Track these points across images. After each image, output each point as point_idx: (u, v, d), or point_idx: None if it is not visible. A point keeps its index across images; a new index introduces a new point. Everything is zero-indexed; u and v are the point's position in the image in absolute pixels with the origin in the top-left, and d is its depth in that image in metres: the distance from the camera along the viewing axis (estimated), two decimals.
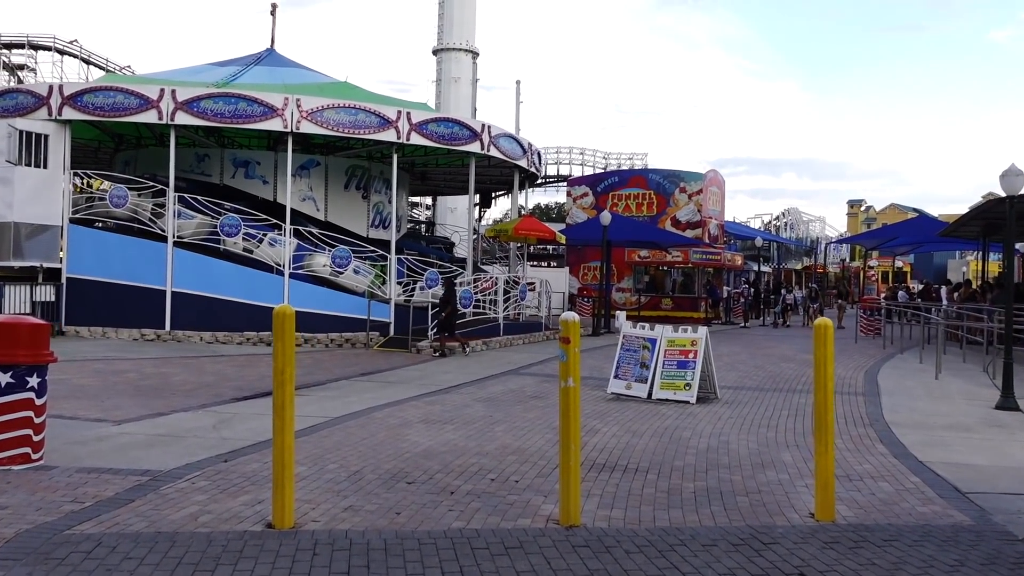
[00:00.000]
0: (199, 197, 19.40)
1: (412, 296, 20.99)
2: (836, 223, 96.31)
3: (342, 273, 20.01)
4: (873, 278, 59.24)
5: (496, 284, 21.65)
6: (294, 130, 18.76)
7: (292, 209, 21.87)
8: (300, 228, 20.01)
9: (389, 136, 19.53)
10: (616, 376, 13.01)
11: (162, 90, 18.38)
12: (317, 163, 22.98)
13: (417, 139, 19.90)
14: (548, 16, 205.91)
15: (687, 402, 12.24)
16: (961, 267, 61.24)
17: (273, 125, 18.70)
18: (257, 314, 18.89)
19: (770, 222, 65.29)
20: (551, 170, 65.06)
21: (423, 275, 20.58)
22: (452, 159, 24.61)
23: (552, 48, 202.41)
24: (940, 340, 16.13)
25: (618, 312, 23.38)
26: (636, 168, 38.90)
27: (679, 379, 12.64)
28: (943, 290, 26.82)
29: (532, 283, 23.76)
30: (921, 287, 37.36)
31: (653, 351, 12.88)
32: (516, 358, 17.89)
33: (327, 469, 7.37)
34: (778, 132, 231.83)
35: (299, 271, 19.45)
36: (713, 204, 34.07)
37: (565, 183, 45.38)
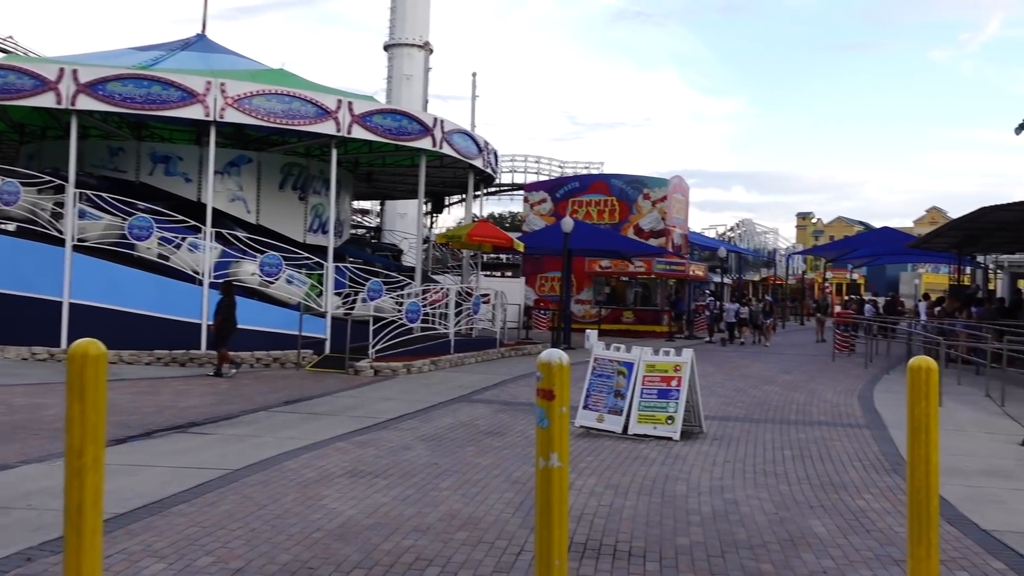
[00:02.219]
0: (107, 195, 16.95)
1: (353, 309, 18.80)
2: (786, 235, 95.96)
3: (273, 283, 17.72)
4: (827, 289, 58.48)
5: (447, 296, 19.53)
6: (218, 119, 16.45)
7: (220, 211, 19.56)
8: (226, 232, 17.68)
9: (328, 128, 17.32)
10: (586, 406, 11.03)
11: (61, 70, 15.92)
12: (248, 160, 20.63)
13: (360, 132, 17.72)
14: (501, 27, 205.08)
15: (670, 438, 10.32)
16: (913, 280, 60.92)
17: (193, 113, 16.37)
18: (172, 329, 16.56)
19: (724, 233, 64.31)
20: (505, 179, 63.23)
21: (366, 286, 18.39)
22: (400, 157, 22.46)
23: (506, 59, 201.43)
24: (941, 363, 14.43)
25: (588, 331, 21.40)
26: (596, 173, 37.19)
27: (660, 411, 10.71)
28: (922, 304, 25.42)
29: (486, 295, 21.68)
30: (887, 300, 36.23)
31: (630, 377, 10.93)
32: (468, 380, 15.81)
33: (196, 567, 5.19)
34: (728, 146, 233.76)
35: (221, 280, 17.11)
36: (677, 212, 32.38)
37: (520, 191, 43.52)
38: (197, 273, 16.83)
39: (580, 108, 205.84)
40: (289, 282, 18.02)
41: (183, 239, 17.22)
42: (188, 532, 5.91)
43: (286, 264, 17.78)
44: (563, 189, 32.51)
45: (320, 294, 18.05)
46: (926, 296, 27.23)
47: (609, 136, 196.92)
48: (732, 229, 66.14)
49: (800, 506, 7.25)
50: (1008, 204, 18.78)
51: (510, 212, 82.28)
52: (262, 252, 17.55)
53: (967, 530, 6.65)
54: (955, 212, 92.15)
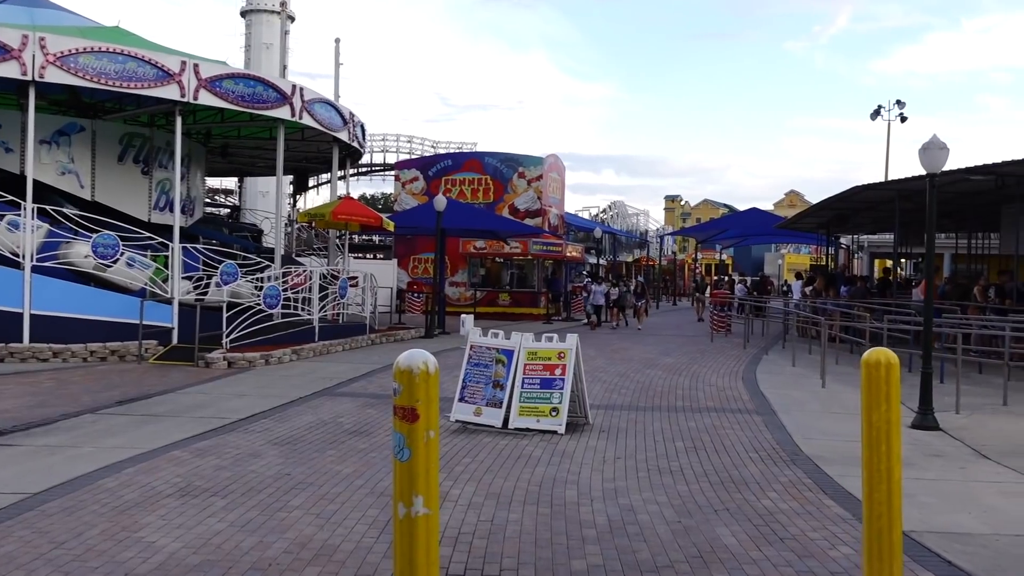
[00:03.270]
0: None
1: (206, 294, 17.10)
2: (655, 217, 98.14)
3: (110, 266, 15.78)
4: (698, 271, 59.85)
5: (311, 279, 18.03)
6: (36, 78, 14.34)
7: (48, 186, 17.45)
8: (51, 208, 15.60)
9: (170, 93, 15.46)
10: (462, 399, 10.03)
11: None
12: (80, 128, 18.38)
13: (208, 99, 15.95)
14: (369, 4, 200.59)
15: (555, 432, 9.45)
16: (777, 260, 63.18)
17: (6, 71, 14.19)
18: None
19: (597, 215, 64.81)
20: (377, 158, 61.45)
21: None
22: (257, 129, 20.65)
23: (375, 38, 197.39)
24: (824, 343, 14.22)
25: (464, 317, 20.25)
26: (470, 151, 36.03)
27: (543, 402, 9.83)
28: (796, 284, 25.72)
29: (354, 277, 20.26)
30: (755, 280, 36.98)
31: (509, 366, 9.99)
32: (333, 371, 14.49)
33: None
34: (598, 130, 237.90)
35: (48, 263, 15.09)
36: (553, 191, 31.76)
37: (392, 172, 41.95)
38: (17, 255, 14.73)
39: (452, 89, 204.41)
40: (130, 265, 16.12)
41: (1, 216, 15.05)
42: None
43: (126, 245, 15.88)
44: (436, 167, 31.28)
45: (167, 279, 16.25)
46: (799, 275, 27.65)
47: (482, 118, 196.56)
48: (605, 211, 66.75)
49: (703, 510, 6.46)
50: (878, 183, 19.01)
51: (383, 193, 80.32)
52: (97, 231, 15.58)
53: None
54: (812, 195, 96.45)
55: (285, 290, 17.34)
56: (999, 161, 14.40)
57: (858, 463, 8.25)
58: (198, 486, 6.84)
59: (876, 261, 48.55)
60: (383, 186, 78.13)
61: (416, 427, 2.57)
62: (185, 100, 15.61)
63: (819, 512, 6.50)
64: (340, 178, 22.74)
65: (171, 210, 18.85)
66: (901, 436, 3.37)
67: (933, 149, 10.16)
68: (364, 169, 63.73)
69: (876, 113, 49.41)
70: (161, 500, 6.40)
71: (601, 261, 40.44)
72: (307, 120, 17.88)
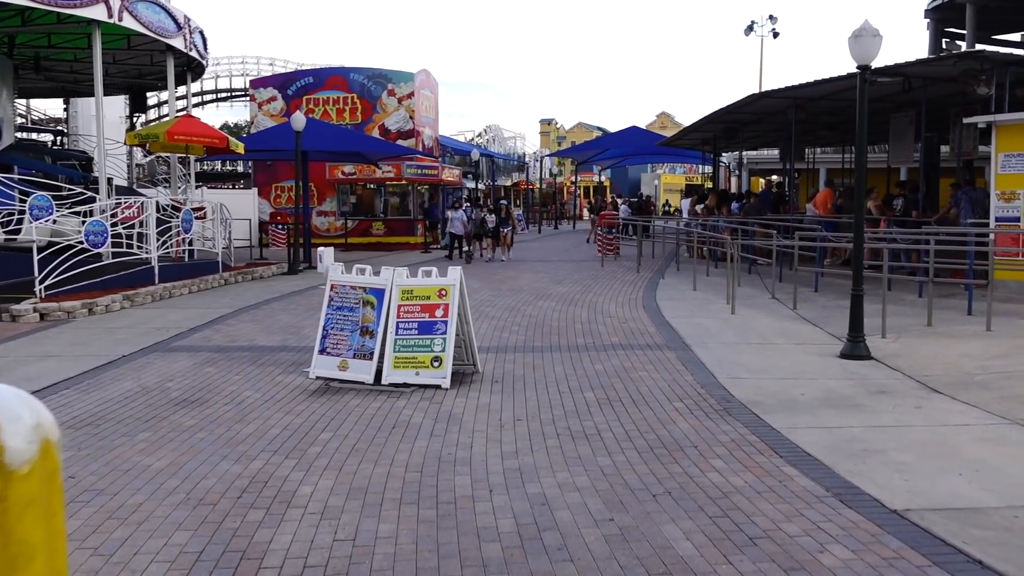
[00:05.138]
0: None
1: (18, 234, 14.30)
2: (531, 141, 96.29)
3: None
4: (576, 193, 58.92)
5: (145, 211, 15.36)
6: None
7: None
8: None
9: None
10: (323, 351, 8.18)
11: None
12: None
13: None
14: None
15: (438, 387, 7.76)
16: (653, 181, 62.88)
17: None
18: None
19: (473, 138, 62.58)
20: (238, 83, 56.87)
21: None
22: (73, 36, 17.39)
23: None
24: (732, 266, 12.93)
25: (322, 249, 17.81)
26: (334, 67, 32.84)
27: (423, 350, 8.08)
28: (685, 202, 24.64)
29: (200, 208, 17.61)
30: (638, 201, 36.01)
31: (380, 308, 8.16)
32: (173, 319, 12.20)
33: None
34: (470, 55, 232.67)
35: None
36: (426, 111, 29.39)
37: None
38: None
39: (316, 9, 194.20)
40: None
41: None
42: None
43: None
44: (296, 85, 28.30)
45: None
46: (687, 193, 26.63)
47: (347, 40, 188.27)
48: (481, 134, 64.51)
49: (638, 497, 4.89)
50: (774, 90, 17.82)
51: (245, 121, 75.08)
52: None
53: (872, 513, 4.62)
54: (681, 117, 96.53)
55: (115, 225, 14.70)
56: (910, 60, 13.32)
57: (803, 409, 6.86)
58: None
59: (751, 178, 48.71)
60: (244, 113, 72.78)
61: None
62: None
63: (783, 488, 5.04)
64: (183, 102, 19.82)
65: None
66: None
67: (866, 37, 8.72)
68: (224, 95, 59.13)
69: (750, 28, 49.04)
70: None
71: (480, 185, 38.54)
72: (129, 22, 14.97)
